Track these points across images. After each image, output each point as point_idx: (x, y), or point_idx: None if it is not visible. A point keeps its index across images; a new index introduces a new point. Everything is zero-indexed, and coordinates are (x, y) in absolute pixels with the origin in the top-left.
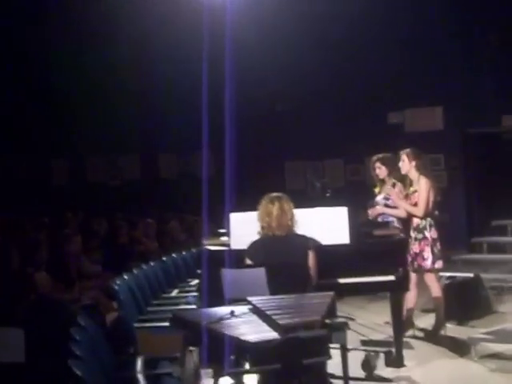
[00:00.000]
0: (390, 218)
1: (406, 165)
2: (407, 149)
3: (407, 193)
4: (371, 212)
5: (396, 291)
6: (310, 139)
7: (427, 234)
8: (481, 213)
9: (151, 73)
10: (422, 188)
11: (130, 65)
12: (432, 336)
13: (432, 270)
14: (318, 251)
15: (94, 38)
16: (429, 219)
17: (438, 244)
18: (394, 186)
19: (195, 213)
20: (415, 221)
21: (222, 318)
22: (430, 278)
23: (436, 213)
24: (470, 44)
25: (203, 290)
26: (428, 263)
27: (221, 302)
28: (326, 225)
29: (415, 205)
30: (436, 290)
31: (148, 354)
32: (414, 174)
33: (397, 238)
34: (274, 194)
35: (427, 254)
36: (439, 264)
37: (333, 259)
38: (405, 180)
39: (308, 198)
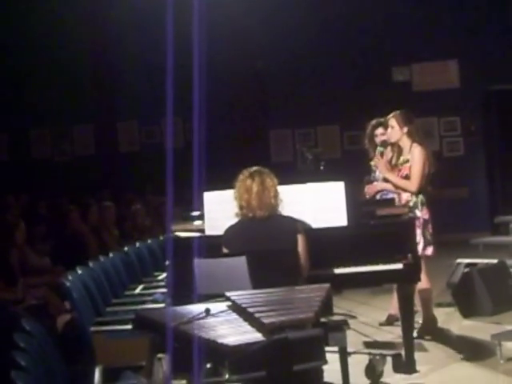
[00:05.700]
0: (390, 195)
1: (397, 132)
2: (396, 111)
3: (395, 163)
4: (368, 189)
5: (405, 282)
6: (299, 102)
7: (418, 213)
8: (505, 187)
9: (105, 24)
10: (417, 158)
11: (80, 15)
12: (421, 337)
13: (421, 258)
14: (309, 235)
15: None
16: (421, 196)
17: (430, 227)
18: (381, 155)
19: (162, 193)
20: (404, 197)
21: (195, 318)
22: None
23: (429, 188)
24: None
25: (171, 284)
26: (418, 248)
27: (193, 299)
28: (319, 203)
29: (406, 178)
30: (423, 280)
31: (107, 363)
32: (406, 141)
33: (405, 218)
34: (254, 168)
35: (418, 237)
36: (429, 251)
37: (328, 245)
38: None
39: (298, 172)
